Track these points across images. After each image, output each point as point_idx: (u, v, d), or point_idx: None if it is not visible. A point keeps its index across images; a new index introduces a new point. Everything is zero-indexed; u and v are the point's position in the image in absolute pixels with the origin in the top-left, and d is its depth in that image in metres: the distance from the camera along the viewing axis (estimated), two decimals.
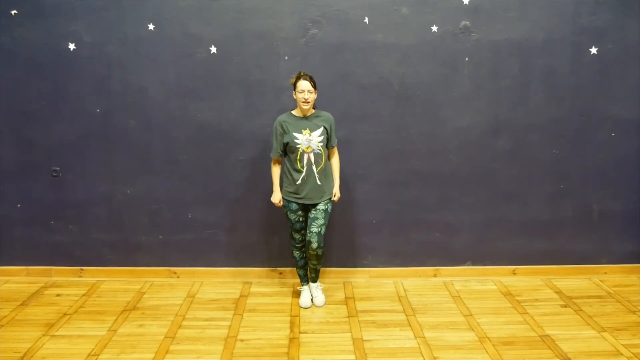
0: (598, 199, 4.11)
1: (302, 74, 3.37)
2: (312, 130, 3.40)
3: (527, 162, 4.05)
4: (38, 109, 3.94)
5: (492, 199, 4.09)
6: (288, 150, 3.44)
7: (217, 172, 4.02)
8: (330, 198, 3.54)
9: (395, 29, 3.85)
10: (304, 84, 3.34)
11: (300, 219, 3.55)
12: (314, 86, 3.38)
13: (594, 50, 3.91)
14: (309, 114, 3.44)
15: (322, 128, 3.42)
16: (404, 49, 3.88)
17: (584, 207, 4.12)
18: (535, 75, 3.94)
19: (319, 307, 3.66)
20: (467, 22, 3.86)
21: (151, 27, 3.83)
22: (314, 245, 3.48)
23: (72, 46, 3.86)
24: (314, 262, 3.62)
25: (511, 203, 4.10)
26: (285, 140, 3.41)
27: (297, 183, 3.44)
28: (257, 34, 3.85)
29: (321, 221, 3.47)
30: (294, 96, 3.42)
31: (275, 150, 3.48)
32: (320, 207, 3.49)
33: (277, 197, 3.53)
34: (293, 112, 3.49)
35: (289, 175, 3.49)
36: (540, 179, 4.07)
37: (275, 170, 3.55)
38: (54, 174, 4.02)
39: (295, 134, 3.38)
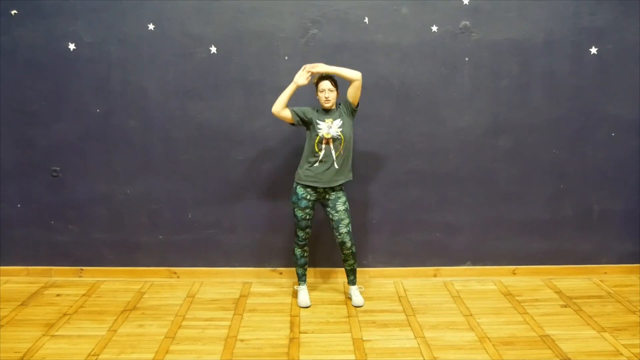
0: (598, 199, 4.11)
1: (323, 74, 3.49)
2: (333, 120, 3.49)
3: (527, 162, 4.05)
4: (38, 109, 3.94)
5: (492, 199, 4.09)
6: (309, 134, 3.51)
7: (217, 172, 4.02)
8: (346, 199, 3.58)
9: (395, 29, 3.86)
10: (324, 84, 3.47)
11: (307, 217, 3.58)
12: (335, 85, 3.48)
13: (594, 50, 3.91)
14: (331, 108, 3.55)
15: (340, 118, 3.50)
16: (404, 49, 3.88)
17: (584, 207, 4.12)
18: (535, 75, 3.94)
19: (359, 306, 3.67)
20: (467, 22, 3.86)
21: (151, 27, 3.83)
22: (348, 244, 3.60)
23: (72, 46, 3.86)
24: (351, 261, 3.68)
25: (511, 203, 4.10)
26: (308, 116, 3.49)
27: (316, 165, 3.49)
28: (257, 34, 3.85)
29: (346, 220, 3.58)
30: (317, 96, 3.52)
31: (292, 109, 3.50)
32: (341, 208, 3.56)
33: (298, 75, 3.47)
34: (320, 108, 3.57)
35: (307, 159, 3.53)
36: (540, 179, 4.07)
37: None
38: (54, 174, 4.02)
39: (319, 122, 3.48)
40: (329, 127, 3.47)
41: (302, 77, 3.44)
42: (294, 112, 3.49)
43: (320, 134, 3.46)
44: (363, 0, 3.81)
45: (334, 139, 3.47)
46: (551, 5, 3.85)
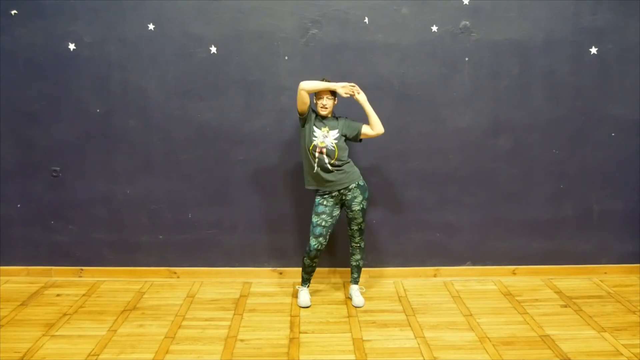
0: (598, 199, 4.11)
1: (323, 79, 3.50)
2: (330, 129, 3.49)
3: (527, 162, 4.05)
4: (38, 109, 3.94)
5: (492, 199, 4.09)
6: (306, 139, 3.49)
7: (217, 172, 4.02)
8: (363, 198, 3.56)
9: (395, 29, 3.86)
10: (324, 91, 3.46)
11: (323, 223, 3.53)
12: (334, 95, 3.50)
13: (594, 50, 3.91)
14: (327, 116, 3.55)
15: (337, 130, 3.49)
16: (404, 49, 3.88)
17: (584, 207, 4.12)
18: (535, 75, 3.94)
19: (359, 307, 3.67)
20: (467, 22, 3.86)
21: (151, 27, 3.83)
22: (357, 239, 3.66)
23: (72, 46, 3.86)
24: (357, 256, 3.71)
25: (511, 203, 4.10)
26: (308, 123, 3.49)
27: (314, 172, 3.50)
28: (257, 34, 3.85)
29: (360, 220, 3.60)
30: (314, 102, 3.53)
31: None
32: (356, 207, 3.56)
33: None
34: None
35: (305, 165, 3.55)
36: (540, 179, 4.07)
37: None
38: (54, 174, 4.02)
39: (315, 128, 3.48)
40: (324, 137, 3.47)
41: (343, 90, 3.42)
42: (310, 107, 3.48)
43: (314, 142, 3.46)
44: (363, 0, 3.81)
45: (328, 150, 3.46)
46: (551, 5, 3.85)
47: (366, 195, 3.60)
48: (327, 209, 3.54)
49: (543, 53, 3.91)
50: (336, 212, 3.58)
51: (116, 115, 3.95)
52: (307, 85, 3.37)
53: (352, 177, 3.54)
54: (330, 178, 3.49)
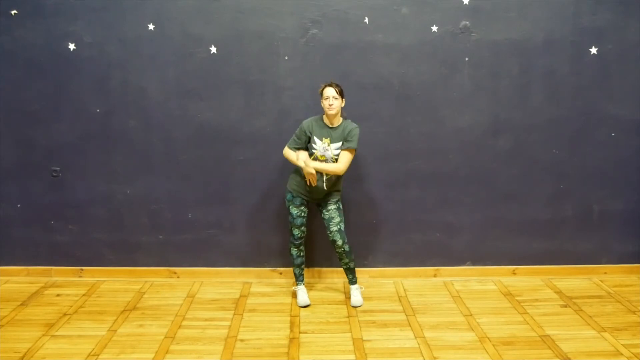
0: (598, 199, 4.11)
1: (330, 82, 3.48)
2: (332, 142, 3.47)
3: (527, 162, 4.05)
4: (38, 109, 3.94)
5: (492, 199, 4.09)
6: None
7: (217, 172, 4.02)
8: (339, 198, 3.62)
9: (395, 29, 3.86)
10: (329, 91, 3.44)
11: (302, 214, 3.60)
12: (340, 93, 3.46)
13: (594, 50, 3.91)
14: (335, 122, 3.49)
15: (341, 142, 3.47)
16: (404, 49, 3.88)
17: (584, 207, 4.12)
18: (535, 75, 3.94)
19: (357, 306, 3.66)
20: (467, 22, 3.86)
21: (151, 27, 3.83)
22: (339, 242, 3.57)
23: (72, 46, 3.86)
24: (346, 260, 3.66)
25: (511, 203, 4.10)
26: (304, 136, 3.53)
27: (304, 182, 3.53)
28: (257, 34, 3.85)
29: (337, 219, 3.57)
30: (322, 104, 3.48)
31: (294, 142, 3.56)
32: (332, 206, 3.57)
33: (302, 159, 3.48)
34: (323, 118, 3.53)
35: (298, 173, 3.57)
36: (540, 179, 4.07)
37: (290, 151, 3.56)
38: (54, 174, 4.02)
39: (316, 139, 3.48)
40: (324, 150, 3.47)
41: (304, 167, 3.45)
42: (294, 148, 3.55)
43: (314, 154, 3.49)
44: (363, 0, 3.81)
45: (327, 161, 3.48)
46: (551, 5, 3.85)
47: (340, 195, 3.64)
48: (304, 200, 3.61)
49: (543, 53, 3.91)
50: (310, 204, 3.66)
51: (116, 115, 3.95)
52: (285, 155, 3.58)
53: (333, 195, 3.61)
54: (315, 193, 3.56)
